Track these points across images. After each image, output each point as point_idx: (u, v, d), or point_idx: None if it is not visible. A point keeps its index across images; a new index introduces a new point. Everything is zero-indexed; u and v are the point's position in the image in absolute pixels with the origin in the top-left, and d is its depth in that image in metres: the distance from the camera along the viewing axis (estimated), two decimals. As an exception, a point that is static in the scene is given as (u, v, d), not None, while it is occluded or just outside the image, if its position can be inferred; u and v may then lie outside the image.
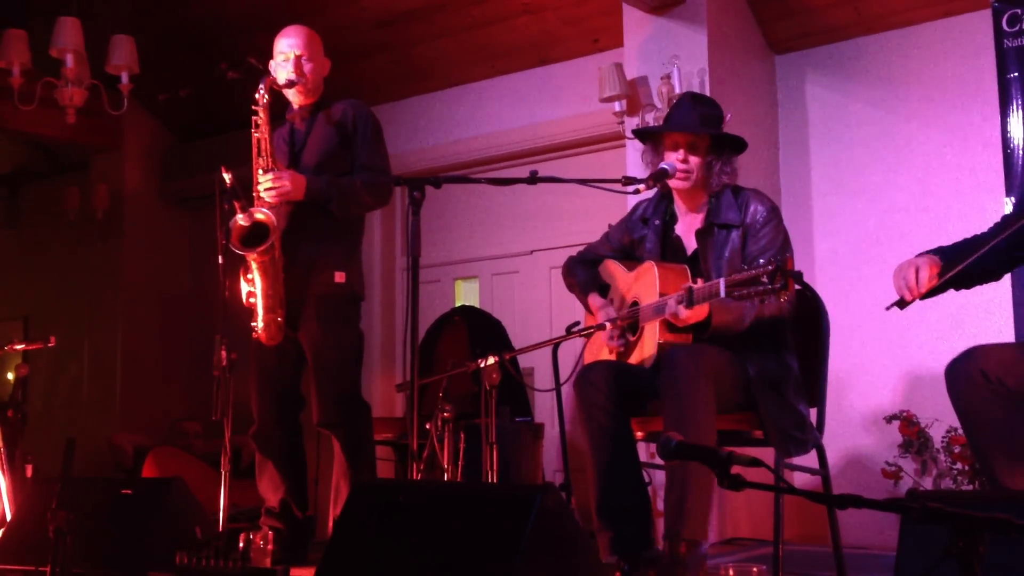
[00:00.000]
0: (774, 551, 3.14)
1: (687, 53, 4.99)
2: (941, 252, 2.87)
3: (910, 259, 2.84)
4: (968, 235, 2.97)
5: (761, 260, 2.82)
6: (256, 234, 3.76)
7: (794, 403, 3.20)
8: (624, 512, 3.18)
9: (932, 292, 2.81)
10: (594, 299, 3.57)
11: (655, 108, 5.00)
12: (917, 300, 2.79)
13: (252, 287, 3.86)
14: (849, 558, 3.49)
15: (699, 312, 3.07)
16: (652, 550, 3.14)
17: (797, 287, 3.19)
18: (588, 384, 3.23)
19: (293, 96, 4.02)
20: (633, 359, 3.36)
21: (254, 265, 3.82)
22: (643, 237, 3.47)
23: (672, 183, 3.31)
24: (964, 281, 2.89)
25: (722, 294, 2.87)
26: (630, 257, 3.55)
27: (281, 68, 3.98)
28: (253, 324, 3.90)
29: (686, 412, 2.98)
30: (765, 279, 2.72)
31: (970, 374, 2.69)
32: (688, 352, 3.07)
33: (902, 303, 2.80)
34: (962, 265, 2.76)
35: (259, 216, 3.76)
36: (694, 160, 3.29)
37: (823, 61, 5.30)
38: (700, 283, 2.99)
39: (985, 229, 2.96)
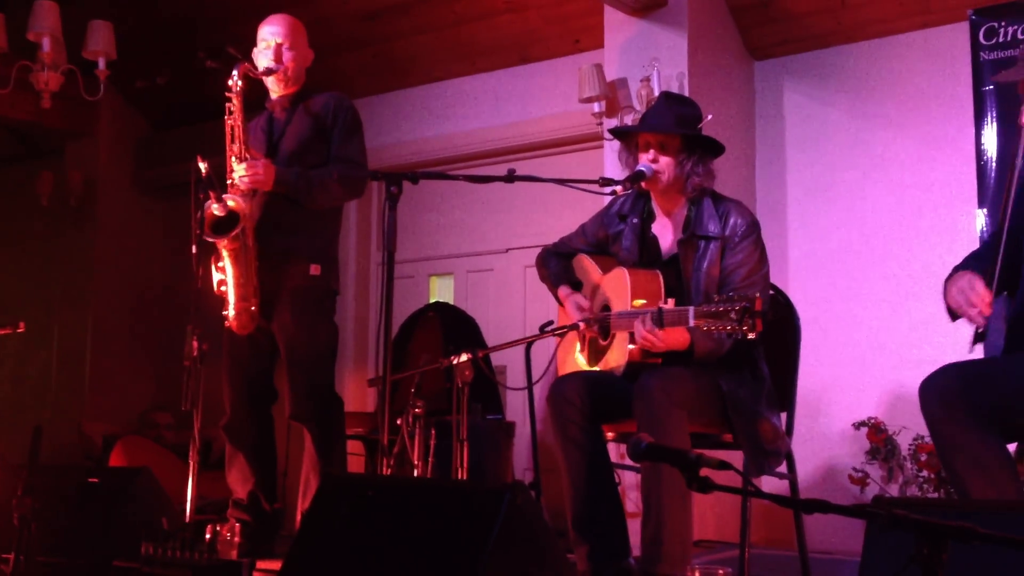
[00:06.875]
0: (740, 554, 3.16)
1: (667, 56, 5.00)
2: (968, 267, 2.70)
3: (954, 281, 2.65)
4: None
5: (732, 294, 2.76)
6: (228, 222, 3.75)
7: (768, 415, 3.21)
8: (599, 525, 3.19)
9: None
10: (563, 289, 3.57)
11: (634, 110, 5.01)
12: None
13: (223, 275, 3.85)
14: (814, 563, 3.51)
15: (679, 339, 3.07)
16: (626, 562, 3.16)
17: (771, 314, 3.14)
18: (562, 399, 3.22)
19: (272, 85, 4.01)
20: (603, 365, 3.36)
21: (225, 253, 3.80)
22: (619, 233, 3.44)
23: (647, 185, 3.31)
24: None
25: (691, 323, 2.85)
26: (605, 252, 3.54)
27: (262, 56, 3.97)
28: (225, 312, 3.88)
29: (661, 442, 2.98)
30: (734, 315, 2.69)
31: (944, 394, 2.64)
32: (660, 380, 3.04)
33: (982, 335, 2.60)
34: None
35: (231, 204, 3.75)
36: (664, 160, 3.27)
37: (802, 68, 5.33)
38: (671, 304, 2.99)
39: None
